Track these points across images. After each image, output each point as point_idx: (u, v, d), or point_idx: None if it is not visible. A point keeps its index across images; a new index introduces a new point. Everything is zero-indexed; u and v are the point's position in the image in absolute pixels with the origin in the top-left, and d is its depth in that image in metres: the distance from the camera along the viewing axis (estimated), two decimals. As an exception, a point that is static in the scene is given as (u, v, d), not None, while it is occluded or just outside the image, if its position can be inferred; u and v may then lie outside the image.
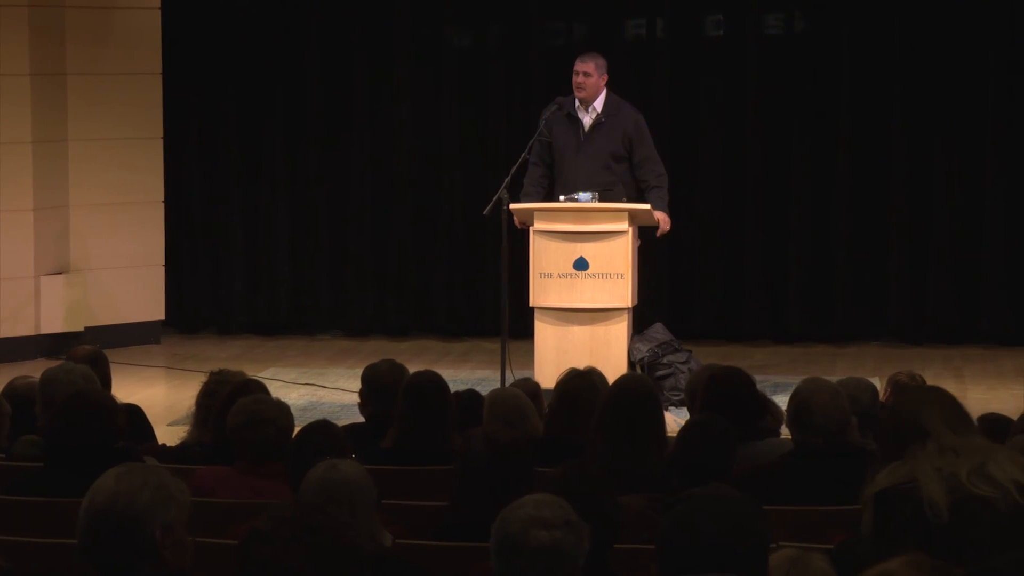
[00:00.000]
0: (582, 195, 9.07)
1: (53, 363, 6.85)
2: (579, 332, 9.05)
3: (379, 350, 11.04)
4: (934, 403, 3.56)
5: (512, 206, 9.21)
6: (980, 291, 11.49)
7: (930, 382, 7.28)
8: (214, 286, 12.26)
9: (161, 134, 11.68)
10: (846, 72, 11.52)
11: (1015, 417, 5.60)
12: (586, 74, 9.38)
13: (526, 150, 9.47)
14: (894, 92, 11.47)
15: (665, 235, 9.39)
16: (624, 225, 9.01)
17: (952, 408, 3.56)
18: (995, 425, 5.35)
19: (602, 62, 9.46)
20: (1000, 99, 11.37)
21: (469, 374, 10.34)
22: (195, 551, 3.53)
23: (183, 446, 6.06)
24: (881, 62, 11.48)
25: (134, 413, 6.45)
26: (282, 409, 5.32)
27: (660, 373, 9.15)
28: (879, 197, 11.56)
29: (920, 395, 3.71)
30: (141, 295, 11.62)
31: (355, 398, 6.40)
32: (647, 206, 9.13)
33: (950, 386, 9.98)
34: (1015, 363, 10.90)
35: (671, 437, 5.19)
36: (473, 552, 4.11)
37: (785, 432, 5.59)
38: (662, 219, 9.25)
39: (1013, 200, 11.43)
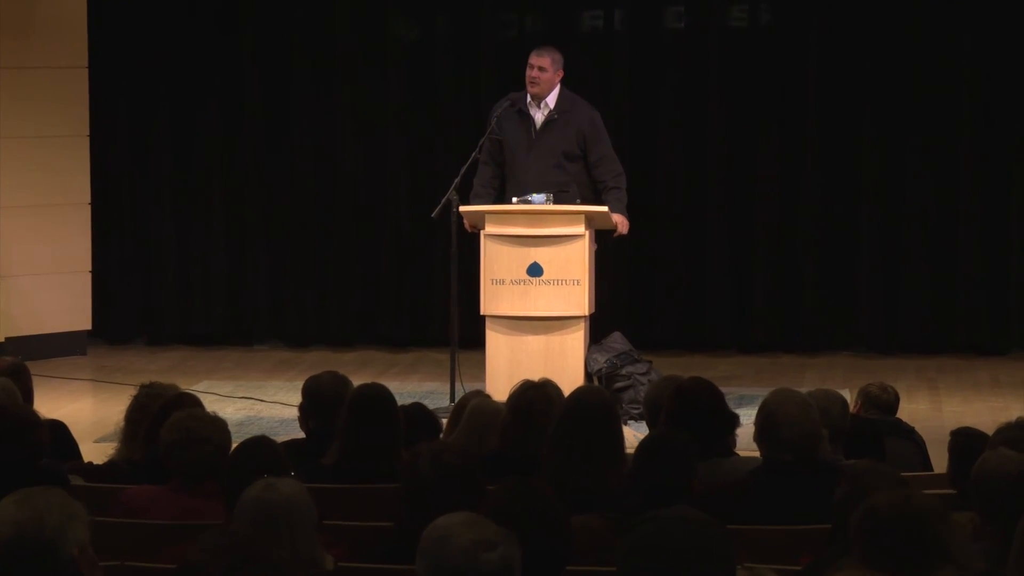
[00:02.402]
0: (536, 197, 9.07)
1: (-29, 376, 6.78)
2: (533, 342, 9.05)
3: (321, 361, 11.01)
4: (955, 525, 3.62)
5: (462, 208, 9.21)
6: (955, 299, 11.55)
7: (903, 394, 7.32)
8: (144, 294, 12.19)
9: (87, 132, 11.61)
10: (814, 68, 11.56)
11: (991, 431, 5.62)
12: (541, 69, 9.39)
13: (476, 149, 9.47)
14: (864, 89, 11.52)
15: (622, 237, 9.41)
16: (580, 228, 9.02)
17: (963, 531, 3.62)
18: (971, 441, 5.37)
19: (558, 57, 9.47)
20: (975, 98, 11.43)
21: (417, 387, 10.32)
22: (124, 574, 3.52)
23: (111, 464, 6.03)
24: (851, 58, 11.52)
25: (58, 429, 6.41)
26: (219, 426, 5.29)
27: (619, 385, 9.16)
28: (849, 199, 11.60)
29: (941, 510, 3.75)
30: (66, 303, 11.54)
31: (295, 412, 6.38)
32: (604, 208, 9.14)
33: (924, 398, 10.07)
34: (991, 374, 10.96)
35: (630, 453, 5.19)
36: None
37: (745, 447, 5.60)
38: (620, 222, 9.27)
39: (989, 203, 11.49)
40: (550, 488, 4.19)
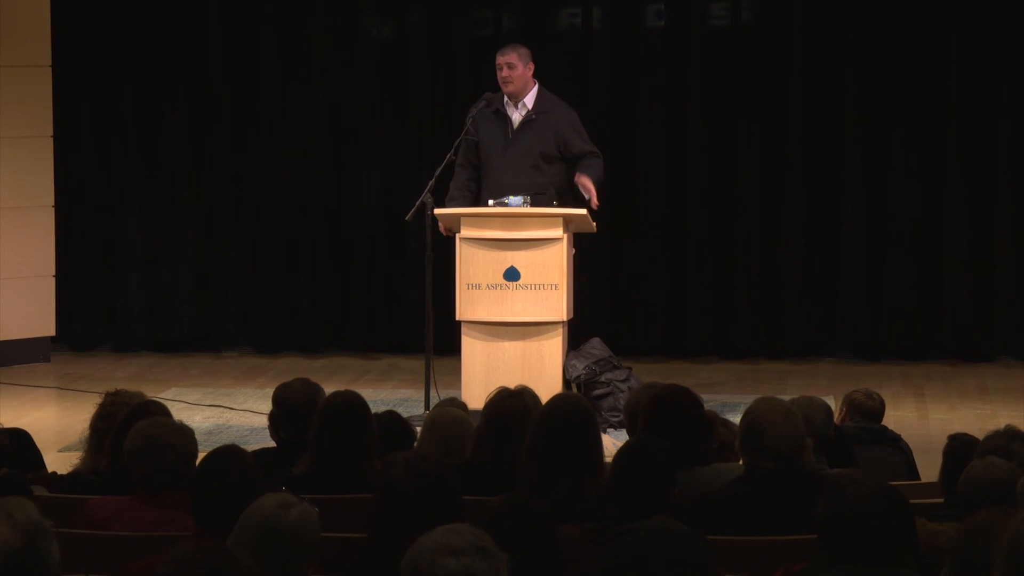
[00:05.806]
0: (512, 199, 9.07)
1: (-69, 384, 6.78)
2: (510, 348, 9.05)
3: (292, 368, 10.99)
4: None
5: (437, 211, 9.20)
6: (941, 304, 11.57)
7: (888, 401, 7.32)
8: (110, 299, 12.16)
9: (51, 132, 11.58)
10: (796, 67, 11.58)
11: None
12: (510, 66, 9.39)
13: (452, 150, 9.47)
14: (848, 89, 11.55)
15: (596, 238, 9.39)
16: (558, 231, 9.02)
17: None
18: (966, 448, 5.38)
19: (524, 51, 9.47)
20: (963, 98, 11.46)
21: (390, 394, 10.32)
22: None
23: (75, 474, 6.01)
24: (834, 56, 11.54)
25: (20, 438, 6.39)
26: (184, 433, 5.27)
27: (597, 392, 9.16)
28: (833, 202, 11.62)
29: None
30: (29, 309, 11.51)
31: (265, 421, 6.37)
32: (583, 211, 9.15)
33: (910, 405, 10.08)
34: (978, 380, 10.99)
35: (609, 462, 5.19)
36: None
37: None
38: (588, 187, 9.18)
39: (975, 207, 11.52)
40: (544, 503, 4.18)
